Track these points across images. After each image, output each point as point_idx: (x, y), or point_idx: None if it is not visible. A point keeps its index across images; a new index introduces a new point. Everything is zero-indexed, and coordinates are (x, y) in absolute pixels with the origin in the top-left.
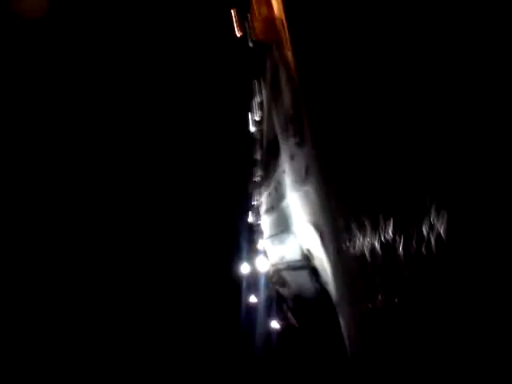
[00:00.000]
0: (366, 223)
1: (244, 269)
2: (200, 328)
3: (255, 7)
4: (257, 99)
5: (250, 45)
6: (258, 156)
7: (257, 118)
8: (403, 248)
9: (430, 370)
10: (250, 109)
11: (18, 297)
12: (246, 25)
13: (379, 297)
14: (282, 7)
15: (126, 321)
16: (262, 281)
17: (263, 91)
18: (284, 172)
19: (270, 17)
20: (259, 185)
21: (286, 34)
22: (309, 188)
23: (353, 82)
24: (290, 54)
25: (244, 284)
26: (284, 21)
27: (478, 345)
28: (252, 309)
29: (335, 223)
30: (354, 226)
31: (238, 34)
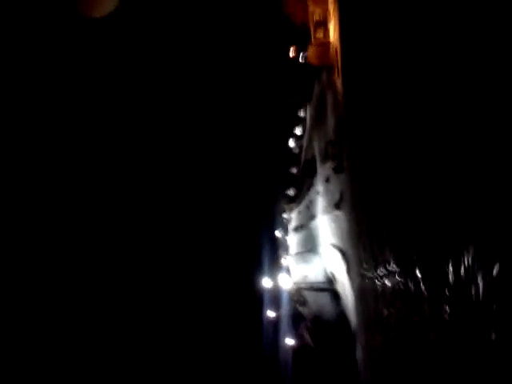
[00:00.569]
0: (390, 258)
1: (266, 283)
2: (217, 336)
3: (312, 31)
4: (301, 116)
5: (301, 61)
6: (294, 171)
7: (298, 133)
8: (417, 291)
9: None
10: (292, 125)
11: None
12: (301, 50)
13: (388, 332)
14: (338, 35)
15: (146, 336)
16: (283, 297)
17: (308, 110)
18: (318, 193)
19: (325, 42)
20: (291, 201)
21: (338, 61)
22: (340, 213)
23: (396, 117)
24: (339, 81)
25: (265, 298)
26: (338, 48)
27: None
28: (270, 323)
29: (362, 252)
30: (378, 259)
31: (292, 55)
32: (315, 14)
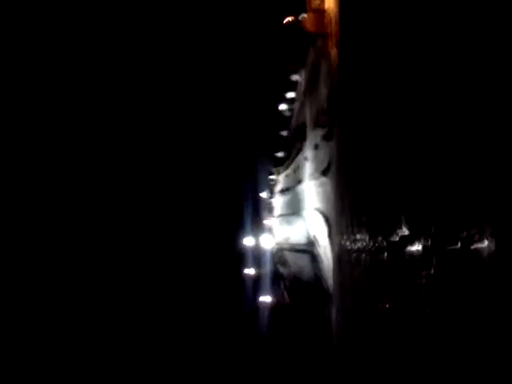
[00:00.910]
0: (372, 225)
1: (248, 242)
2: (197, 292)
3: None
4: (294, 80)
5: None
6: (284, 134)
7: (290, 97)
8: (390, 256)
9: (407, 363)
10: (285, 88)
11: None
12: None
13: (359, 296)
14: (336, 3)
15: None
16: (265, 257)
17: (302, 75)
18: (306, 159)
19: (321, 9)
20: (279, 163)
21: (334, 29)
22: (327, 180)
23: (387, 91)
24: (334, 51)
25: (246, 257)
26: (335, 17)
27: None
28: (250, 281)
29: (345, 218)
30: (360, 225)
31: (286, 21)
32: None
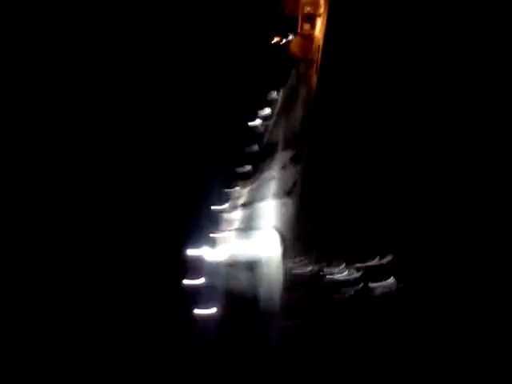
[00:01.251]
0: (314, 252)
1: (193, 252)
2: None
3: (300, 23)
4: (272, 98)
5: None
6: (254, 149)
7: (266, 113)
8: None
9: None
10: (261, 105)
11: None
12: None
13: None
14: (323, 30)
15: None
16: (210, 269)
17: (280, 94)
18: (272, 177)
19: (310, 35)
20: (245, 177)
21: (318, 57)
22: (289, 201)
23: (363, 123)
24: (315, 77)
25: (188, 267)
26: (321, 44)
27: None
28: (188, 291)
29: (297, 241)
30: (306, 251)
31: (274, 41)
32: (306, 6)
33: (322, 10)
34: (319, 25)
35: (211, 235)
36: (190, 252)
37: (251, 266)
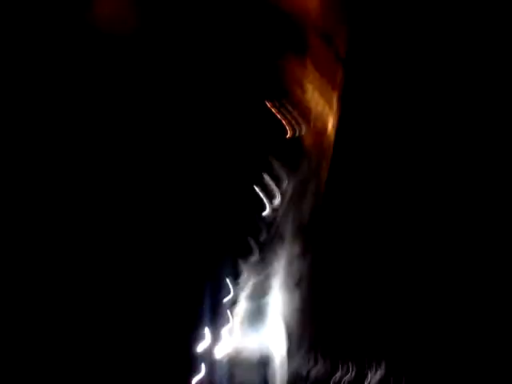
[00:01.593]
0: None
1: (202, 346)
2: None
3: (312, 120)
4: (281, 188)
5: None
6: (261, 239)
7: (274, 205)
8: None
9: None
10: (271, 195)
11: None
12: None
13: None
14: (334, 131)
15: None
16: (214, 365)
17: (290, 183)
18: (278, 272)
19: (322, 132)
20: (251, 267)
21: (328, 155)
22: (295, 296)
23: (373, 221)
24: (325, 173)
25: (197, 361)
26: (331, 144)
27: None
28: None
29: (302, 338)
30: (309, 348)
31: (288, 135)
32: (318, 104)
33: (332, 106)
34: (330, 123)
35: (215, 328)
36: (193, 346)
37: (258, 364)
